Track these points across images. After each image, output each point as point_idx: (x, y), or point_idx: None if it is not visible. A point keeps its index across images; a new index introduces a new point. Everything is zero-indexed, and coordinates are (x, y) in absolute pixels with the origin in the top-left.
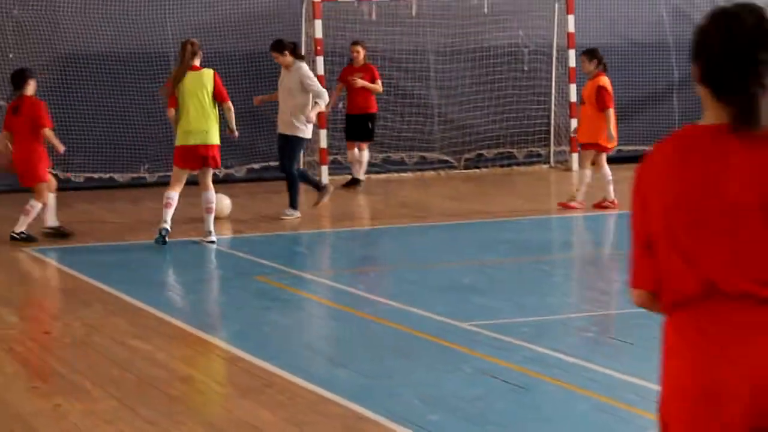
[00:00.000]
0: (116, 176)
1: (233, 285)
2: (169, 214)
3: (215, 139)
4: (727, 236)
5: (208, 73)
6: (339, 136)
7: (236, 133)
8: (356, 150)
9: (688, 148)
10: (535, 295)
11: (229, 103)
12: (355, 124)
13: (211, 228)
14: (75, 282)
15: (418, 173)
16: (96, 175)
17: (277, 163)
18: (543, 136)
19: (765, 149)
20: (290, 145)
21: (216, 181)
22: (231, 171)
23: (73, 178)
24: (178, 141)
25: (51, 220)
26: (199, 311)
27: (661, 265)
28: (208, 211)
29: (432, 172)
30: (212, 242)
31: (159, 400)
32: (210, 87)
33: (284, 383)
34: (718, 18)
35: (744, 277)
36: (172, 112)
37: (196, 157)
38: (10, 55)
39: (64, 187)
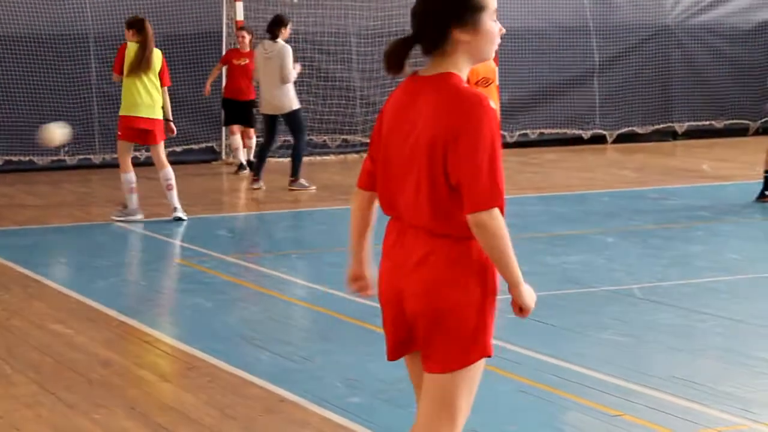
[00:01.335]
0: (36, 159)
1: (154, 268)
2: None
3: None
4: (403, 171)
5: (159, 54)
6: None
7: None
8: (238, 135)
9: (402, 91)
10: None
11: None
12: (236, 109)
13: (176, 203)
14: None
15: (341, 156)
16: (15, 158)
17: (197, 146)
18: None
19: (433, 93)
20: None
21: (136, 163)
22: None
23: None
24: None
25: None
26: (119, 294)
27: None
28: (169, 188)
29: (355, 155)
30: (180, 219)
31: (79, 384)
32: (158, 68)
33: (206, 366)
34: None
35: (407, 209)
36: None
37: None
38: None
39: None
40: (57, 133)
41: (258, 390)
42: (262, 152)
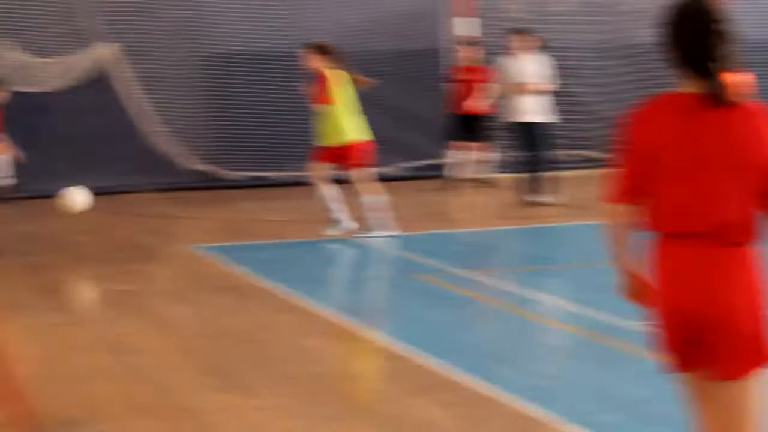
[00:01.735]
0: (277, 174)
1: (396, 283)
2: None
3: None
4: (693, 182)
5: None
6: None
7: None
8: (460, 150)
9: (672, 107)
10: None
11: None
12: (462, 124)
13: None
14: (239, 279)
15: (574, 171)
16: (258, 174)
17: (432, 162)
18: None
19: (729, 115)
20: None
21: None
22: (390, 169)
23: (235, 177)
24: (354, 137)
25: None
26: (363, 309)
27: (649, 201)
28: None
29: (588, 170)
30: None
31: (329, 397)
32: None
33: (452, 382)
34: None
35: (700, 220)
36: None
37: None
38: (173, 55)
39: (226, 185)
40: (78, 199)
41: (507, 407)
42: (535, 164)
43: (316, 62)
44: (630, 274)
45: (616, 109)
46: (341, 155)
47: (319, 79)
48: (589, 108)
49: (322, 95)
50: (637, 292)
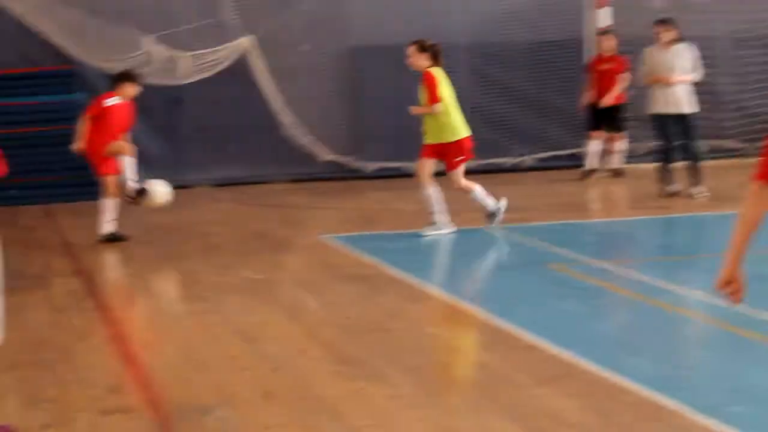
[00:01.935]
0: (408, 165)
1: (527, 273)
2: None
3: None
4: None
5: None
6: (629, 124)
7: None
8: (597, 141)
9: None
10: None
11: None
12: (601, 115)
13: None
14: (371, 269)
15: (712, 162)
16: (389, 164)
17: (564, 152)
18: None
19: None
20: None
21: (506, 169)
22: (519, 160)
23: (365, 168)
24: (463, 133)
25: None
26: (494, 299)
27: None
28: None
29: (726, 160)
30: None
31: (458, 387)
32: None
33: (583, 372)
34: None
35: None
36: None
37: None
38: (305, 48)
39: (357, 176)
40: (160, 192)
41: (636, 397)
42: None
43: (421, 61)
44: (731, 261)
45: (756, 99)
46: (447, 152)
47: (428, 79)
48: (728, 98)
49: (434, 94)
50: (726, 282)
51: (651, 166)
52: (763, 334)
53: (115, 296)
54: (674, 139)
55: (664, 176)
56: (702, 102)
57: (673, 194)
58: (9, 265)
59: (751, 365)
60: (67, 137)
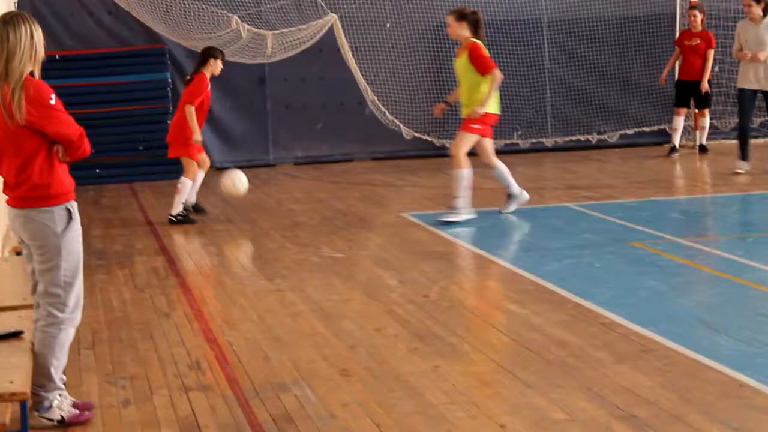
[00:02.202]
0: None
1: (607, 250)
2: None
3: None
4: None
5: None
6: (714, 100)
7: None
8: (682, 117)
9: None
10: None
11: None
12: (689, 90)
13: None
14: (451, 246)
15: None
16: None
17: (648, 129)
18: None
19: None
20: None
21: (589, 146)
22: (604, 137)
23: (448, 145)
24: (495, 108)
25: (190, 197)
26: (573, 276)
27: None
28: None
29: None
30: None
31: (537, 364)
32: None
33: (662, 349)
34: None
35: None
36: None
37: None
38: (387, 25)
39: (440, 154)
40: (238, 181)
41: (716, 374)
42: (745, 132)
43: (460, 30)
44: None
45: None
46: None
47: (474, 49)
48: None
49: (487, 63)
50: None
51: (735, 143)
52: None
53: (197, 274)
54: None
55: (742, 152)
56: None
57: (738, 173)
58: (93, 243)
59: None
60: (153, 116)
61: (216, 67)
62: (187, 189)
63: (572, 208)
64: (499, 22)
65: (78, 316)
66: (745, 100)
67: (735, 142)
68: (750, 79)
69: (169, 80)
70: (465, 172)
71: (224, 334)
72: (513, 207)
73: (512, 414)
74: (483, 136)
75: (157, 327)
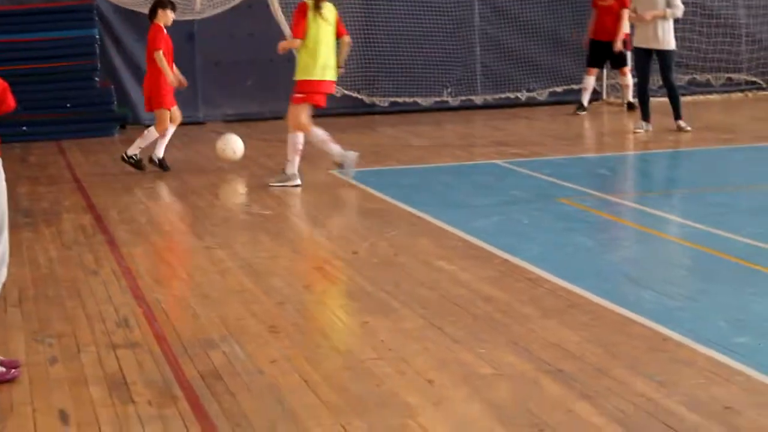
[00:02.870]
0: (420, 100)
1: (535, 207)
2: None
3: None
4: None
5: (332, 7)
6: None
7: (343, 69)
8: (593, 77)
9: None
10: None
11: (347, 37)
12: (602, 50)
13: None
14: (381, 203)
15: (724, 95)
16: (400, 100)
17: (579, 86)
18: None
19: None
20: (668, 58)
21: (518, 104)
22: (533, 94)
23: (378, 103)
24: (310, 75)
25: (158, 151)
26: (501, 232)
27: None
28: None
29: (739, 94)
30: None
31: (464, 319)
32: (334, 20)
33: (588, 304)
34: None
35: None
36: (298, 42)
37: (325, 92)
38: None
39: (370, 111)
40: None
41: (641, 329)
42: (643, 91)
43: None
44: None
45: None
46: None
47: (298, 12)
48: (744, 31)
49: (296, 29)
50: None
51: (661, 100)
52: (765, 265)
53: (125, 232)
54: (650, 75)
55: (643, 112)
56: (717, 35)
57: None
58: (19, 201)
59: (757, 297)
60: (81, 73)
61: (166, 17)
62: (151, 138)
63: (501, 165)
64: None
65: (4, 273)
66: (640, 59)
67: (664, 99)
68: (641, 39)
69: (97, 37)
70: (297, 137)
71: (152, 291)
72: (291, 181)
73: (440, 369)
74: (309, 103)
75: (85, 284)
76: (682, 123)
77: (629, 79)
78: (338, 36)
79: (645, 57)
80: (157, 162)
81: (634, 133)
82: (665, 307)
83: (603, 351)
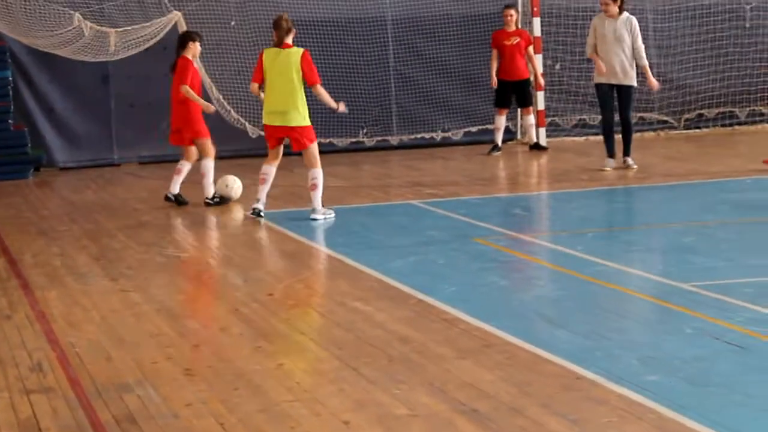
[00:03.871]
0: (335, 141)
1: (451, 247)
2: (264, 190)
3: (296, 121)
4: None
5: (297, 53)
6: (555, 98)
7: (340, 108)
8: (504, 117)
9: None
10: (757, 256)
11: (318, 87)
12: (509, 89)
13: (316, 205)
14: (296, 245)
15: (637, 134)
16: (320, 140)
17: (493, 126)
18: (766, 94)
19: None
20: (630, 94)
21: (434, 144)
22: (448, 134)
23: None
24: (263, 119)
25: (173, 187)
26: (417, 273)
27: None
28: (312, 188)
29: (651, 133)
30: (314, 219)
31: (379, 360)
32: (298, 67)
33: (503, 344)
34: None
35: None
36: (255, 87)
37: (276, 137)
38: (232, 23)
39: (286, 152)
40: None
41: (555, 367)
42: (608, 128)
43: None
44: None
45: (681, 72)
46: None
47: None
48: (654, 71)
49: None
50: None
51: (575, 140)
52: (680, 304)
53: (39, 275)
54: (614, 110)
55: (608, 149)
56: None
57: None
58: None
59: (668, 335)
60: None
61: (195, 49)
62: (211, 169)
63: (417, 205)
64: (343, 20)
65: None
66: (603, 95)
67: (577, 138)
68: (605, 74)
69: (10, 78)
70: (313, 172)
71: (66, 335)
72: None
73: (356, 410)
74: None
75: None
76: (629, 160)
77: (533, 119)
78: (309, 84)
79: (609, 92)
80: (173, 198)
81: (601, 171)
82: (578, 345)
83: (517, 390)
